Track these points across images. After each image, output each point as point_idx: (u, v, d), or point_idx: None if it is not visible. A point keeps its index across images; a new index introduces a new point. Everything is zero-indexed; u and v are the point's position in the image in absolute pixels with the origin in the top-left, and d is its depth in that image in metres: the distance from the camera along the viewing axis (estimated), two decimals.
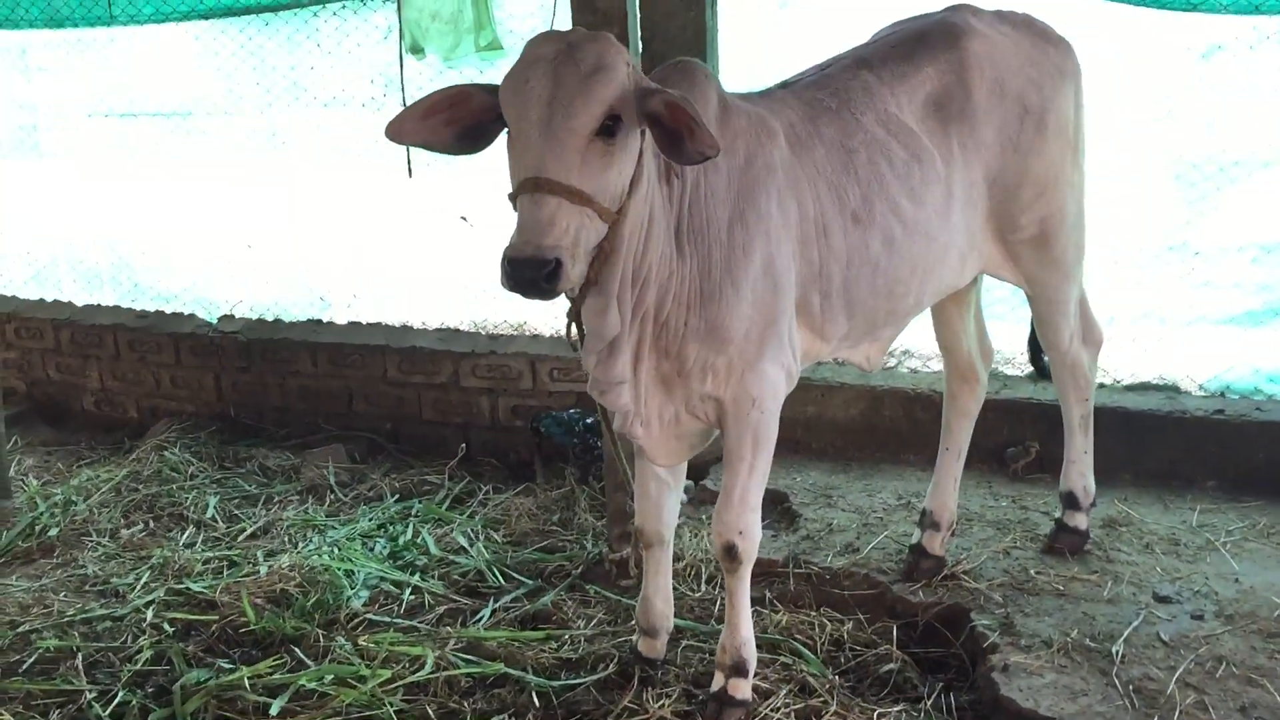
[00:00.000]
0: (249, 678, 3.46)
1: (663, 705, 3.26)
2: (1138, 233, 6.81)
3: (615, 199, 2.62)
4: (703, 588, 4.00)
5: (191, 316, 6.00)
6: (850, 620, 3.71)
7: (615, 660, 3.54)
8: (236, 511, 4.93)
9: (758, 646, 3.51)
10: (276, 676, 3.49)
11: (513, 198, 2.56)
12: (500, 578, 4.21)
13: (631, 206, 2.66)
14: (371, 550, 4.45)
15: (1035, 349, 3.88)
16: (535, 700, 3.37)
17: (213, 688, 3.44)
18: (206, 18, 5.57)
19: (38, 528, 4.74)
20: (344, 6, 5.24)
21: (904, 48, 3.30)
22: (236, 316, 5.95)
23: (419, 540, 4.52)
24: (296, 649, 3.68)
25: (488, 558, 4.33)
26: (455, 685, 3.45)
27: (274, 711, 3.30)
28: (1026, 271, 3.55)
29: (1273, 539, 4.02)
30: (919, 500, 4.37)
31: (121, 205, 6.19)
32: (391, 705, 3.30)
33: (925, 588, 3.79)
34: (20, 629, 3.91)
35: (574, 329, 2.85)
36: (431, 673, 3.46)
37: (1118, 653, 3.33)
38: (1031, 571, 3.83)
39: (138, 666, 3.65)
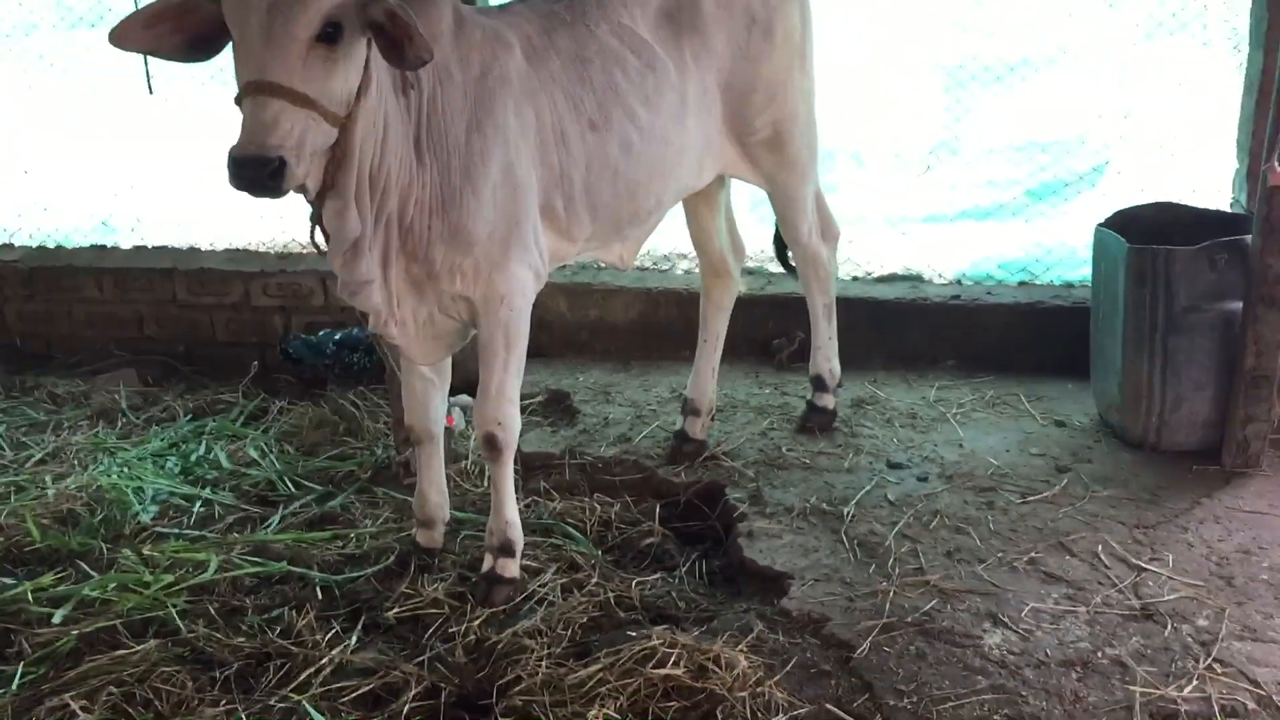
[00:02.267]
0: (32, 591, 3.54)
1: (436, 588, 3.49)
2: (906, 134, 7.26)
3: (342, 104, 2.75)
4: (485, 484, 4.22)
5: None
6: (619, 503, 4.00)
7: (396, 553, 3.75)
8: (24, 439, 4.89)
9: (532, 532, 3.80)
10: (61, 589, 3.58)
11: (238, 101, 2.67)
12: (291, 486, 4.35)
13: (361, 112, 2.81)
14: (162, 468, 4.52)
15: (781, 245, 4.19)
16: (319, 594, 3.56)
17: None
18: None
19: None
20: None
21: None
22: (16, 245, 5.83)
23: (211, 456, 4.61)
24: (82, 563, 3.76)
25: (279, 468, 4.46)
26: (240, 585, 3.60)
27: (56, 620, 3.39)
28: (765, 172, 3.84)
29: (997, 409, 4.49)
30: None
31: None
32: (175, 606, 3.43)
33: (688, 469, 4.11)
34: None
35: (319, 233, 3.00)
36: (215, 575, 3.61)
37: (848, 514, 3.71)
38: (784, 449, 4.19)
39: None
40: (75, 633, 3.32)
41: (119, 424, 5.02)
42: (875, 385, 4.71)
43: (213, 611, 3.42)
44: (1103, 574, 3.32)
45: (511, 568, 3.46)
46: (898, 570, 3.38)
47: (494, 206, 3.12)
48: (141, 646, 3.26)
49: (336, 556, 3.79)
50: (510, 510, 3.46)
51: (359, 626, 3.39)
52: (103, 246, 5.75)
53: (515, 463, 4.21)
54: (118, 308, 5.59)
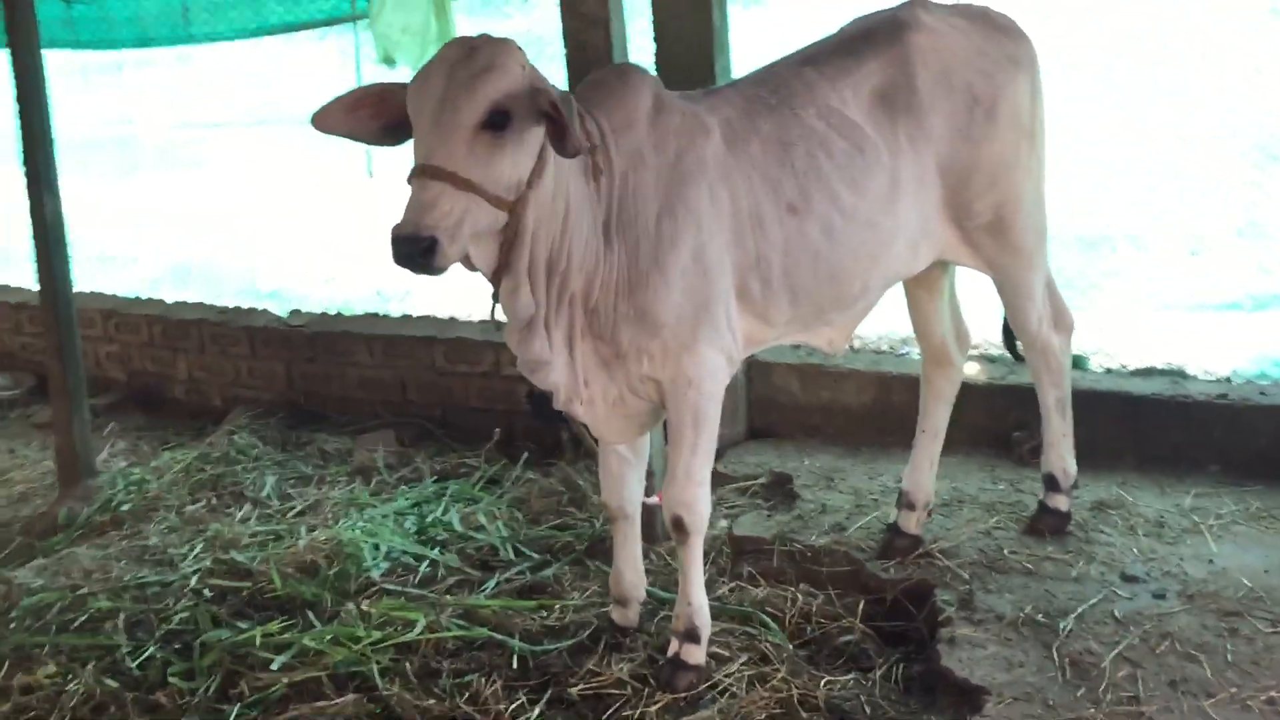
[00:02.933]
0: (260, 636, 3.82)
1: (621, 668, 3.49)
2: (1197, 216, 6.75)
3: (509, 188, 2.85)
4: None
5: (265, 311, 6.45)
6: (822, 596, 3.86)
7: (592, 628, 3.77)
8: (291, 491, 5.32)
9: (730, 618, 3.73)
10: (286, 636, 3.84)
11: (409, 181, 2.79)
12: (512, 552, 4.48)
13: (533, 196, 2.90)
14: (401, 526, 4.78)
15: (1009, 334, 3.95)
16: (514, 663, 3.63)
17: (227, 644, 3.80)
18: (272, 34, 6.00)
19: (112, 504, 5.22)
20: None
21: (848, 44, 3.45)
22: (303, 311, 6.38)
23: (446, 517, 4.83)
24: (310, 613, 4.02)
25: (504, 534, 4.61)
26: (442, 647, 3.73)
27: (275, 666, 3.64)
28: (987, 257, 3.65)
29: (1262, 522, 4.02)
30: None
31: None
32: (378, 662, 3.60)
33: (898, 565, 3.91)
34: (79, 592, 4.33)
35: (499, 310, 3.10)
36: (420, 635, 3.75)
37: (1065, 628, 3.41)
38: (1006, 551, 3.92)
39: (171, 626, 4.04)
40: (286, 680, 3.54)
41: (373, 481, 5.36)
42: (1123, 488, 4.33)
43: (409, 671, 3.55)
44: None
45: (696, 654, 3.40)
46: (1109, 697, 3.07)
47: (682, 290, 3.13)
48: (341, 699, 3.44)
49: (539, 626, 3.86)
50: (698, 595, 3.42)
51: (544, 700, 3.43)
52: (375, 315, 6.20)
53: (725, 545, 4.21)
54: (384, 372, 5.99)
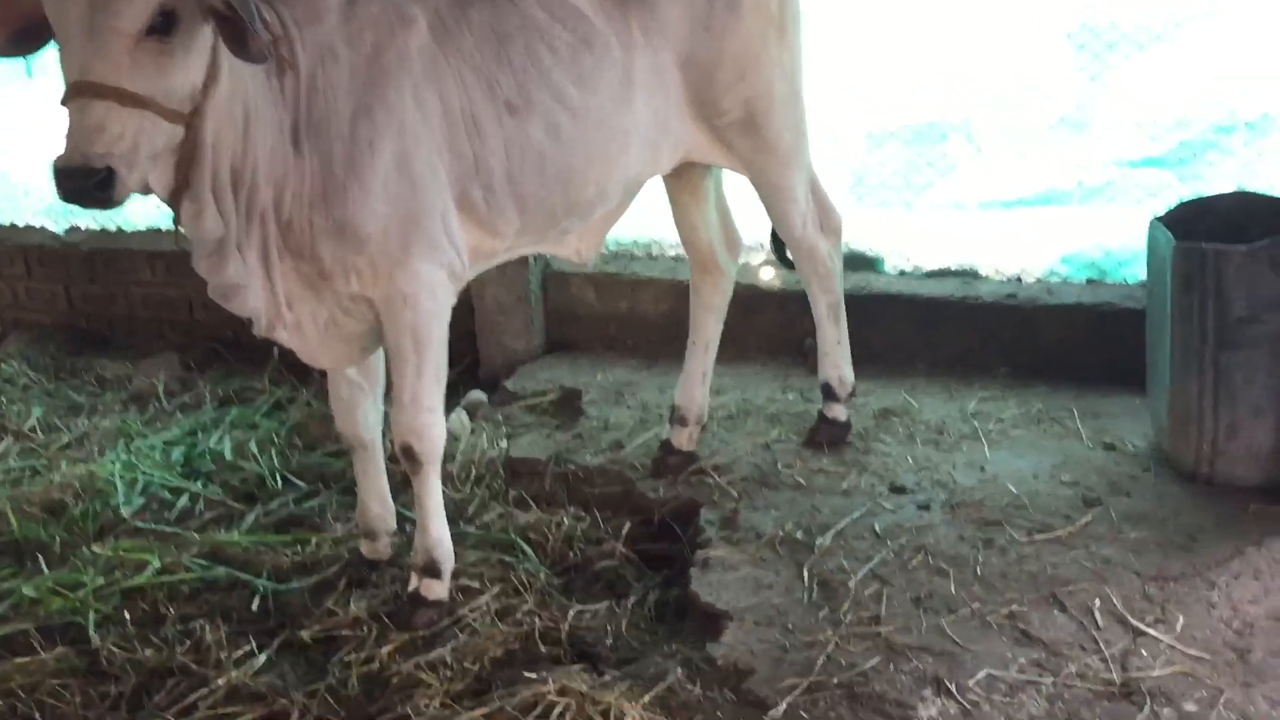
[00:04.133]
0: None
1: (361, 606, 3.27)
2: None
3: (184, 99, 2.52)
4: (468, 490, 3.97)
5: (41, 229, 5.99)
6: (589, 519, 3.68)
7: (342, 563, 3.55)
8: (59, 421, 4.95)
9: (490, 546, 3.53)
10: (4, 585, 3.54)
11: (64, 103, 2.44)
12: (280, 482, 4.22)
13: (210, 106, 2.58)
14: (167, 458, 4.47)
15: (778, 240, 3.75)
16: (254, 604, 3.39)
17: None
18: None
19: None
20: None
21: None
22: (82, 229, 5.93)
23: (217, 447, 4.53)
24: (41, 557, 3.72)
25: (275, 464, 4.34)
26: (176, 591, 3.47)
27: None
28: (742, 157, 3.43)
29: (1041, 426, 3.94)
30: (710, 395, 4.32)
31: None
32: (98, 610, 3.33)
33: (669, 484, 3.74)
34: None
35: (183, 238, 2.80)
36: (150, 578, 3.49)
37: (821, 545, 3.28)
38: (780, 465, 3.78)
39: None
40: None
41: (150, 410, 5.02)
42: (911, 394, 4.21)
43: (128, 619, 3.29)
44: (1090, 637, 2.80)
45: (436, 589, 3.20)
46: (850, 617, 2.94)
47: (385, 200, 2.84)
48: (47, 655, 3.16)
49: (291, 563, 3.62)
50: (436, 526, 3.20)
51: (274, 645, 3.20)
52: (159, 230, 5.77)
53: (500, 469, 4.00)
54: (170, 290, 5.61)
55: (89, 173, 2.36)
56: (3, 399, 5.16)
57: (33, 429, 4.88)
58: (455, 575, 3.32)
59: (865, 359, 4.39)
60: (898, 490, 3.57)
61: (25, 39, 2.55)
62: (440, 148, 2.91)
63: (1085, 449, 3.75)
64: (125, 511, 4.03)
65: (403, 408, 3.05)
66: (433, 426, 3.09)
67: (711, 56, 3.22)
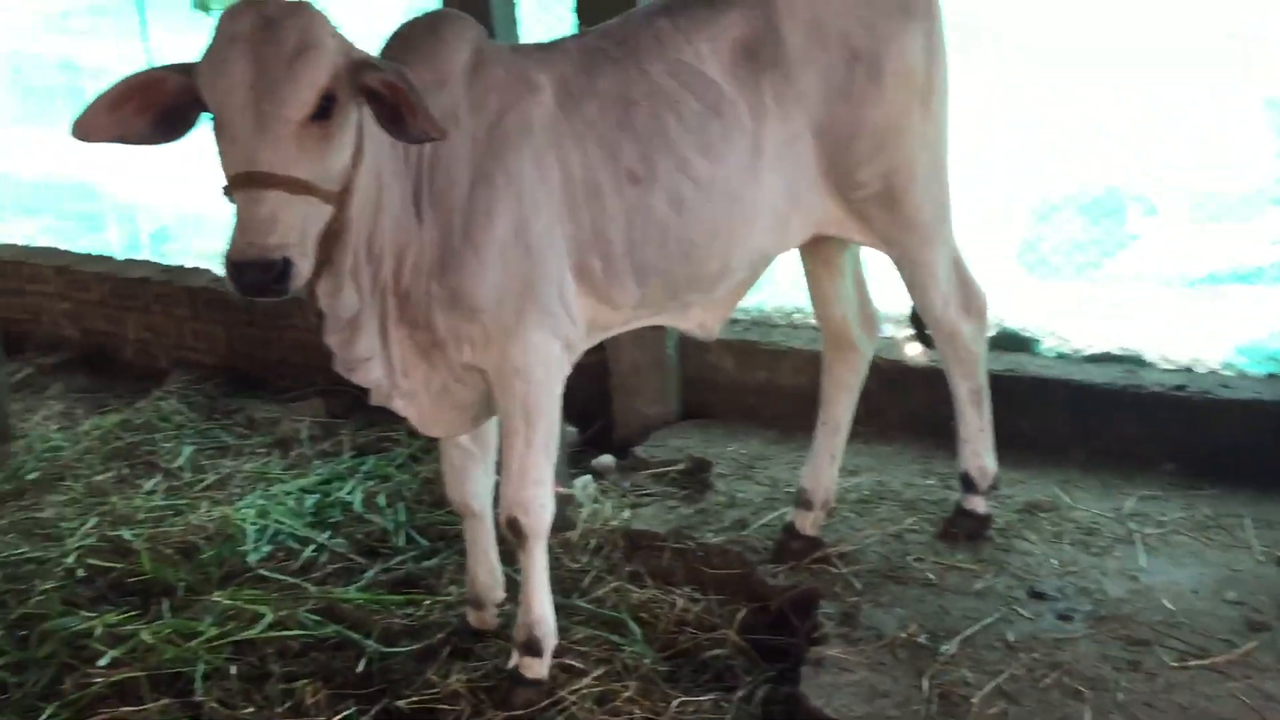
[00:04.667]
0: (101, 627, 3.58)
1: (459, 680, 3.19)
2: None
3: (338, 179, 2.49)
4: (586, 561, 3.87)
5: (206, 271, 6.21)
6: (705, 601, 3.53)
7: (448, 630, 3.48)
8: (206, 462, 5.09)
9: (601, 622, 3.42)
10: (128, 628, 3.60)
11: (227, 192, 2.41)
12: (403, 539, 4.20)
13: (358, 182, 2.55)
14: (299, 505, 4.51)
15: (918, 318, 3.54)
16: (359, 666, 3.36)
17: (67, 635, 3.57)
18: None
19: (21, 472, 5.03)
20: None
21: None
22: None
23: (349, 497, 4.56)
24: (166, 601, 3.78)
25: (401, 519, 4.33)
26: (286, 647, 3.46)
27: (102, 663, 3.39)
28: (880, 233, 3.24)
29: (1208, 533, 3.59)
30: (841, 474, 4.11)
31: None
32: (208, 663, 3.34)
33: (790, 571, 3.55)
34: None
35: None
36: (261, 632, 3.49)
37: (946, 652, 3.04)
38: (911, 558, 3.54)
39: (27, 609, 3.82)
40: (103, 680, 3.30)
41: (292, 454, 5.10)
42: (1063, 488, 3.91)
43: (235, 673, 3.29)
44: None
45: (536, 668, 3.09)
46: None
47: (501, 269, 2.78)
48: (153, 705, 3.18)
49: (401, 626, 3.58)
50: (539, 604, 3.10)
51: (372, 711, 3.15)
52: None
53: (619, 540, 3.89)
54: (319, 336, 5.70)
55: (268, 266, 2.32)
56: (157, 436, 5.33)
57: (180, 468, 5.03)
58: (559, 653, 3.21)
59: (1015, 447, 4.13)
60: (1037, 596, 3.29)
61: (168, 126, 2.51)
62: (559, 216, 2.84)
63: (1255, 564, 3.39)
64: (252, 559, 4.08)
65: (510, 479, 2.97)
66: (539, 500, 2.99)
67: (849, 127, 3.06)
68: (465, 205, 2.76)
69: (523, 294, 2.82)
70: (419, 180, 2.76)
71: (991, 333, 4.40)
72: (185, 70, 2.47)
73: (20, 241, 7.37)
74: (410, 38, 2.80)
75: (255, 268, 2.32)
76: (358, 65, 2.45)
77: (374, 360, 2.83)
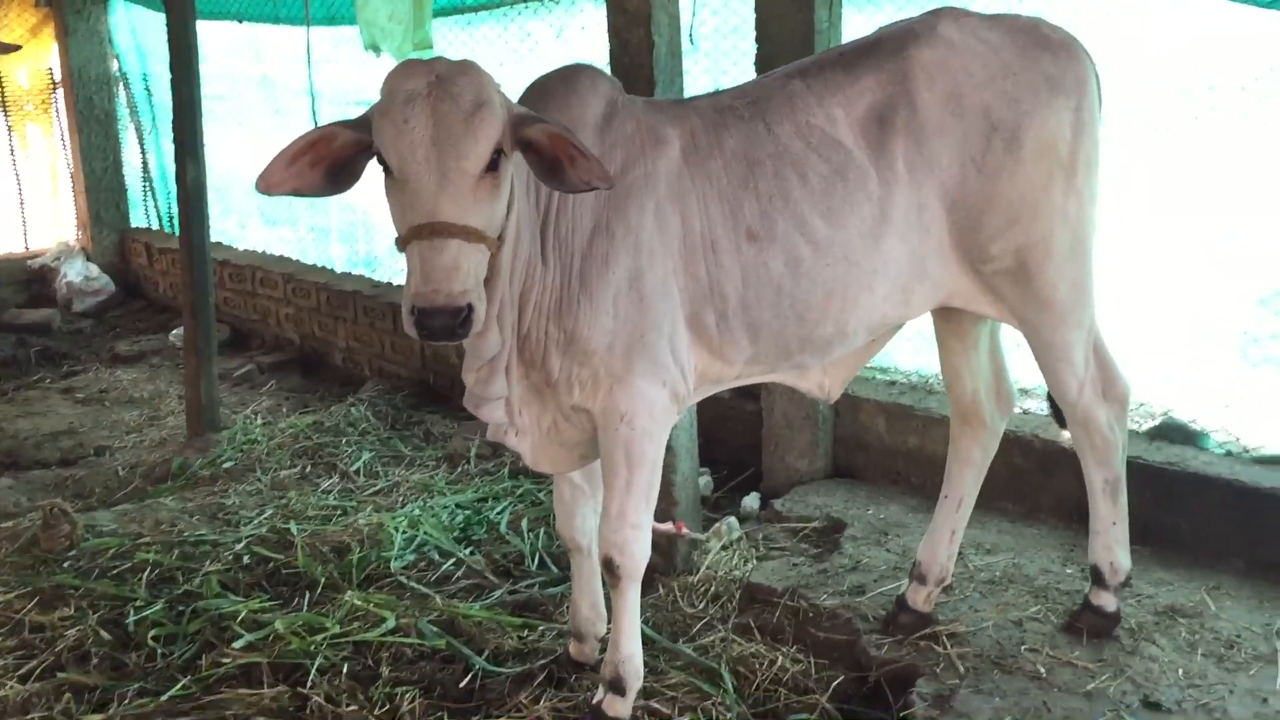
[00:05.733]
0: (244, 612, 3.87)
1: (547, 708, 3.29)
2: None
3: (499, 227, 2.64)
4: (702, 607, 3.90)
5: None
6: (806, 663, 3.50)
7: (552, 658, 3.58)
8: (380, 469, 5.42)
9: (699, 670, 3.45)
10: (267, 615, 3.87)
11: (402, 241, 2.53)
12: (536, 563, 4.35)
13: (509, 231, 2.70)
14: (450, 520, 4.73)
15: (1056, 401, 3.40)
16: (462, 682, 3.50)
17: (214, 615, 3.88)
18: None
19: (219, 460, 5.49)
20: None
21: (850, 55, 3.04)
22: None
23: (497, 517, 4.75)
24: (308, 594, 4.05)
25: (539, 543, 4.48)
26: (401, 652, 3.65)
27: (237, 645, 3.68)
28: (1013, 309, 3.14)
29: None
30: (976, 552, 4.00)
31: None
32: (324, 659, 3.56)
33: (897, 644, 3.47)
34: (138, 540, 4.55)
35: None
36: (380, 636, 3.69)
37: None
38: (1025, 648, 3.39)
39: (191, 586, 4.17)
40: (230, 661, 3.57)
41: (458, 470, 5.35)
42: (1211, 595, 3.65)
43: (341, 670, 3.49)
44: None
45: (619, 706, 3.15)
46: None
47: (614, 316, 2.87)
48: (267, 690, 3.42)
49: (513, 646, 3.71)
50: (628, 644, 3.16)
51: None
52: None
53: (737, 590, 3.90)
54: None
55: (455, 312, 2.45)
56: (342, 440, 5.71)
57: (356, 472, 5.37)
58: (649, 694, 3.27)
59: (1167, 545, 3.94)
60: (1151, 706, 3.09)
61: (339, 178, 2.66)
62: (676, 268, 2.91)
63: None
64: (395, 565, 4.32)
65: (609, 520, 3.05)
66: (635, 543, 3.05)
67: (982, 199, 2.99)
68: (585, 251, 2.87)
69: (633, 342, 2.90)
70: (545, 227, 2.88)
71: (1155, 422, 4.19)
72: (355, 125, 2.63)
73: (259, 248, 8.04)
74: (546, 89, 2.94)
75: (443, 314, 2.44)
76: (519, 119, 2.60)
77: (503, 400, 2.96)
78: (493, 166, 2.54)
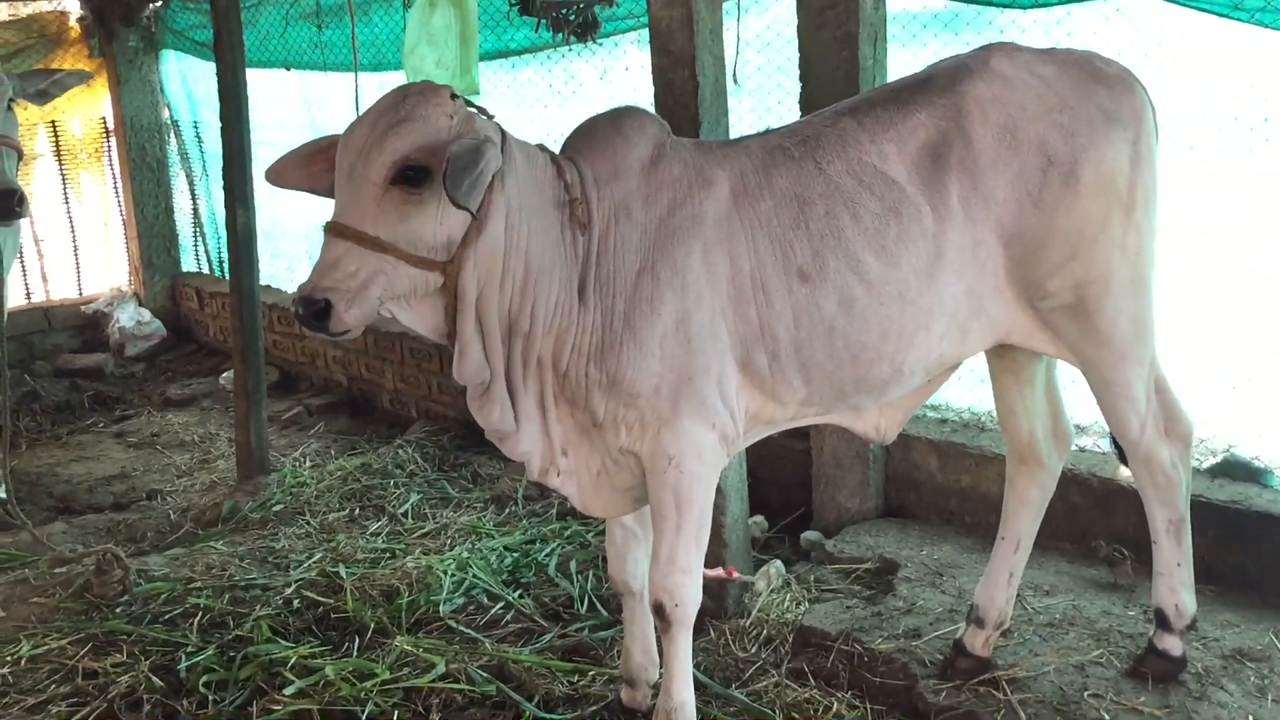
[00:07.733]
0: (295, 658, 3.86)
1: None
2: None
3: (437, 248, 2.68)
4: (753, 650, 3.84)
5: None
6: (862, 709, 3.43)
7: (603, 704, 3.54)
8: (428, 511, 5.41)
9: (753, 717, 3.40)
10: (317, 661, 3.86)
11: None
12: (585, 606, 4.31)
13: (469, 256, 2.71)
14: (499, 562, 4.71)
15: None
16: None
17: (265, 660, 3.87)
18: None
19: (269, 503, 5.51)
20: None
21: (903, 92, 3.01)
22: None
23: (545, 559, 4.72)
24: (358, 639, 4.04)
25: (588, 586, 4.45)
26: (451, 699, 3.62)
27: (288, 691, 3.66)
28: (1071, 346, 3.08)
29: None
30: (1035, 593, 3.92)
31: None
32: (375, 705, 3.54)
33: (955, 689, 3.40)
34: (190, 585, 4.57)
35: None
36: (430, 681, 3.66)
37: None
38: (1087, 694, 3.31)
39: (241, 631, 4.17)
40: (281, 709, 3.55)
41: (505, 511, 5.34)
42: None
43: (396, 719, 3.47)
44: None
45: None
46: None
47: (661, 358, 2.85)
48: None
49: (563, 691, 3.67)
50: (680, 691, 3.11)
51: None
52: None
53: (790, 634, 3.84)
54: None
55: (310, 303, 2.60)
56: (390, 482, 5.71)
57: (405, 514, 5.37)
58: None
59: (1233, 586, 3.84)
60: None
61: None
62: (724, 310, 2.88)
63: None
64: (444, 609, 4.30)
65: (658, 565, 3.01)
66: (686, 588, 3.01)
67: (1039, 234, 2.94)
68: (630, 293, 2.85)
69: (680, 384, 2.87)
70: (585, 266, 2.87)
71: (1217, 459, 4.09)
72: None
73: None
74: (593, 132, 2.95)
75: (302, 303, 2.61)
76: (448, 144, 2.62)
77: (523, 433, 2.95)
78: (411, 182, 2.62)
